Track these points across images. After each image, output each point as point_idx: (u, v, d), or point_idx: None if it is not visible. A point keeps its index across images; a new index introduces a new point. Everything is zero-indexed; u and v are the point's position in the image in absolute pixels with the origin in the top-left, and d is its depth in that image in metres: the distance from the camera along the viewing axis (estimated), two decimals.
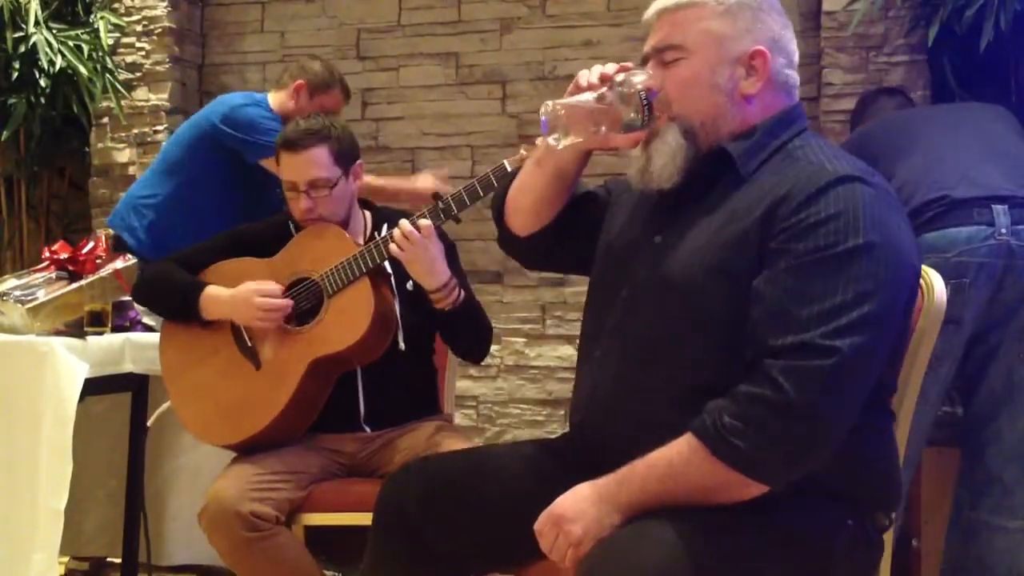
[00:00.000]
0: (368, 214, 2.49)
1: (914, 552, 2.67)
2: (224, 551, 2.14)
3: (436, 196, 2.22)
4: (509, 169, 2.16)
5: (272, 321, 2.29)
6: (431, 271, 2.19)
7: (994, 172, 2.49)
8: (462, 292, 2.25)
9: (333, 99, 3.20)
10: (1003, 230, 2.38)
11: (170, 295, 2.39)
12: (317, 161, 2.33)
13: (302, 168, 2.33)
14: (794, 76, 1.54)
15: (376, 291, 2.26)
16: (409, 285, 2.35)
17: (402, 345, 2.34)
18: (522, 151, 2.16)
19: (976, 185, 2.44)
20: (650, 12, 1.57)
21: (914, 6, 3.30)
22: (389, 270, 2.35)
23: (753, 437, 1.29)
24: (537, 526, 1.41)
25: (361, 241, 2.41)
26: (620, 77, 1.49)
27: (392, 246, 2.18)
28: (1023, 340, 2.45)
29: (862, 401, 1.34)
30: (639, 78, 1.48)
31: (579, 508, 1.37)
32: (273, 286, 2.30)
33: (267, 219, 2.56)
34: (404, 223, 2.18)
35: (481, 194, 2.18)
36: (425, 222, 2.18)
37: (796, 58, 1.55)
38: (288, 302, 2.30)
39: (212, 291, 2.34)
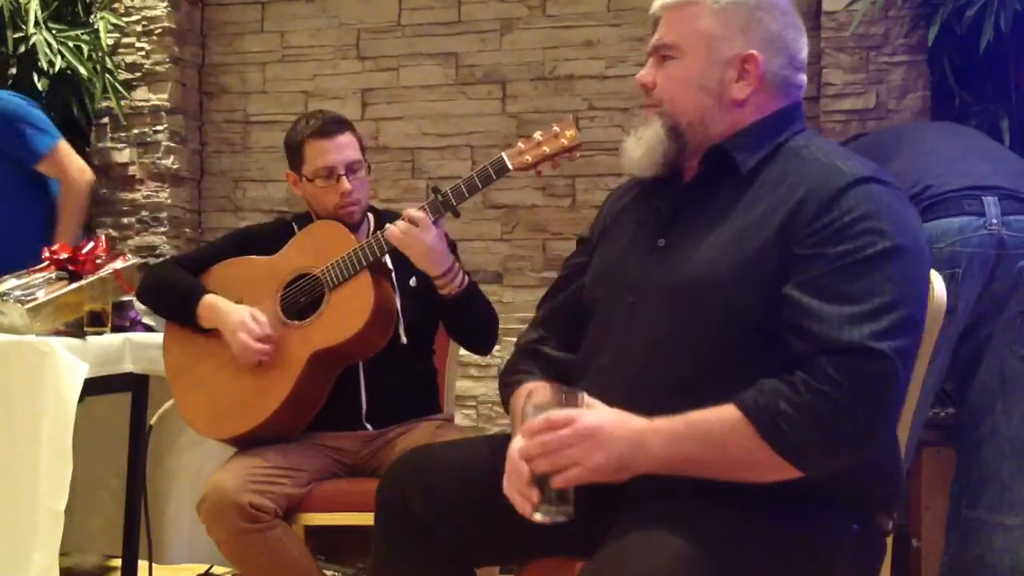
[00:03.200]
0: (371, 216, 2.51)
1: (914, 552, 2.67)
2: (222, 541, 2.15)
3: (435, 190, 2.24)
4: (508, 164, 2.16)
5: (247, 360, 2.28)
6: (434, 258, 2.22)
7: (982, 164, 2.50)
8: (466, 277, 2.28)
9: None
10: (994, 220, 2.39)
11: (170, 297, 2.41)
12: (350, 144, 2.41)
13: (339, 151, 2.37)
14: (797, 76, 1.54)
15: (376, 284, 2.27)
16: (412, 281, 2.38)
17: (403, 338, 2.36)
18: (520, 144, 2.17)
19: (965, 175, 2.45)
20: (654, 7, 1.57)
21: (914, 6, 3.30)
22: (390, 265, 2.37)
23: (804, 426, 1.30)
24: (558, 419, 1.36)
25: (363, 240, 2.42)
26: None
27: (391, 230, 2.20)
28: (1013, 332, 2.45)
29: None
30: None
31: (615, 438, 1.35)
32: (261, 325, 2.27)
33: (270, 222, 2.59)
34: (407, 213, 2.22)
35: (480, 186, 2.20)
36: (419, 213, 2.20)
37: (802, 57, 1.54)
38: (266, 347, 2.27)
39: (210, 300, 2.35)
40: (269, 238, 2.46)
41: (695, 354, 1.43)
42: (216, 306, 2.34)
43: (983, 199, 2.40)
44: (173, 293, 2.40)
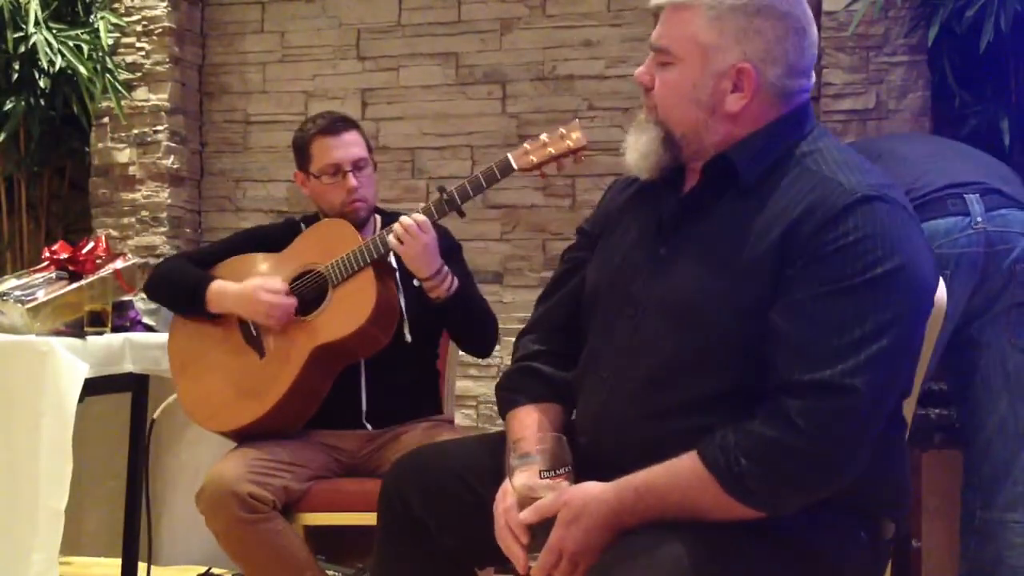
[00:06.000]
0: (378, 216, 2.54)
1: (914, 552, 2.67)
2: (220, 532, 2.16)
3: (441, 189, 2.26)
4: (513, 164, 2.18)
5: (276, 319, 2.31)
6: (425, 261, 2.24)
7: (956, 162, 2.50)
8: (455, 281, 2.28)
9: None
10: (979, 219, 2.38)
11: (179, 290, 2.42)
12: (357, 141, 2.45)
13: (345, 148, 2.42)
14: (799, 83, 1.46)
15: (379, 281, 2.28)
16: (416, 280, 2.37)
17: (408, 336, 2.36)
18: (525, 145, 2.19)
19: (943, 174, 2.44)
20: (653, 2, 1.50)
21: (914, 6, 3.30)
22: (395, 264, 2.38)
23: (768, 481, 1.29)
24: (557, 511, 1.39)
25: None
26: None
27: (391, 239, 2.23)
28: (1011, 326, 2.44)
29: (877, 432, 1.32)
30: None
31: (592, 541, 1.36)
32: (278, 283, 2.33)
33: (278, 222, 2.64)
34: (404, 219, 2.24)
35: (484, 186, 2.22)
36: (420, 216, 2.23)
37: (806, 62, 1.46)
38: (292, 300, 2.32)
39: (218, 285, 2.37)
40: (278, 238, 2.50)
41: (694, 377, 1.39)
42: (225, 288, 2.36)
43: (965, 197, 2.39)
44: (182, 284, 2.41)
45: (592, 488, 1.38)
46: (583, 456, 1.49)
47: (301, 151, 2.47)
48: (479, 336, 2.41)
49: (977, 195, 2.40)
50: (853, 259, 1.30)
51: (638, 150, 1.49)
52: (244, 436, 2.33)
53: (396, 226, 2.23)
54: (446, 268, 2.28)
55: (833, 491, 1.32)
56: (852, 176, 1.37)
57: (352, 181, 2.40)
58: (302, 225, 2.51)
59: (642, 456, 1.38)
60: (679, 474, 1.33)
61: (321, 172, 2.42)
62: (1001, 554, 2.43)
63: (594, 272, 1.61)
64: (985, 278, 2.40)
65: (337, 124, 2.44)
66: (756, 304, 1.34)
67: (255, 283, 2.33)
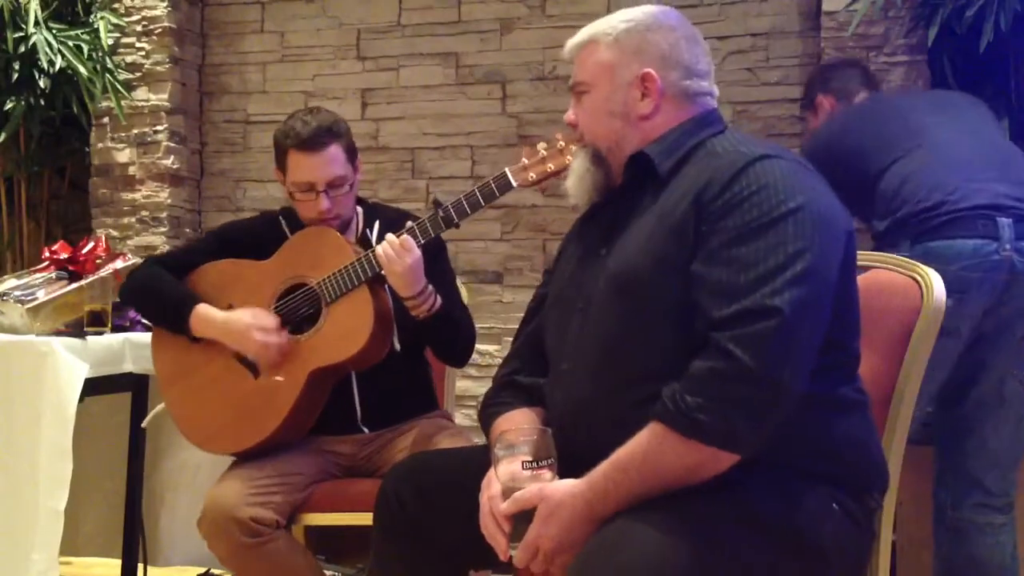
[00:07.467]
0: (360, 210, 2.46)
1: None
2: (224, 557, 2.14)
3: (436, 203, 2.19)
4: (511, 180, 2.12)
5: (268, 359, 2.25)
6: (408, 281, 2.17)
7: (998, 177, 2.46)
8: (438, 299, 2.23)
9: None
10: (1007, 245, 2.36)
11: (159, 305, 2.35)
12: (335, 159, 2.30)
13: (321, 168, 2.28)
14: (698, 85, 1.63)
15: (375, 300, 2.22)
16: None
17: (397, 346, 2.33)
18: (524, 160, 2.13)
19: (981, 192, 2.41)
20: (564, 52, 1.70)
21: (914, 6, 3.30)
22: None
23: (717, 410, 1.35)
24: (537, 510, 1.44)
25: (353, 238, 2.39)
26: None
27: (378, 250, 2.17)
28: (1015, 356, 2.44)
29: (813, 354, 1.40)
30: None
31: (569, 537, 1.41)
32: (269, 320, 2.26)
33: (256, 217, 2.53)
34: (390, 237, 2.17)
35: (482, 203, 2.15)
36: (406, 237, 2.16)
37: (701, 66, 1.64)
38: (284, 339, 2.25)
39: (203, 312, 2.28)
40: (256, 236, 2.40)
41: (642, 345, 1.49)
42: (211, 317, 2.27)
43: (997, 220, 2.38)
44: (163, 301, 2.33)
45: (567, 484, 1.44)
46: (560, 450, 1.53)
47: (278, 154, 2.36)
48: (460, 351, 2.37)
49: (1011, 220, 2.39)
50: (755, 206, 1.43)
51: (575, 173, 1.67)
52: (244, 456, 2.28)
53: (382, 245, 2.16)
54: (430, 288, 2.21)
55: (781, 414, 1.36)
56: (752, 146, 1.53)
57: (324, 204, 2.27)
58: (283, 221, 2.41)
59: (609, 436, 1.43)
60: (640, 441, 1.40)
61: (294, 188, 2.31)
62: (974, 552, 2.46)
63: (550, 294, 1.73)
64: (1001, 303, 2.40)
65: (316, 139, 2.27)
66: (682, 266, 1.46)
67: (246, 320, 2.24)
